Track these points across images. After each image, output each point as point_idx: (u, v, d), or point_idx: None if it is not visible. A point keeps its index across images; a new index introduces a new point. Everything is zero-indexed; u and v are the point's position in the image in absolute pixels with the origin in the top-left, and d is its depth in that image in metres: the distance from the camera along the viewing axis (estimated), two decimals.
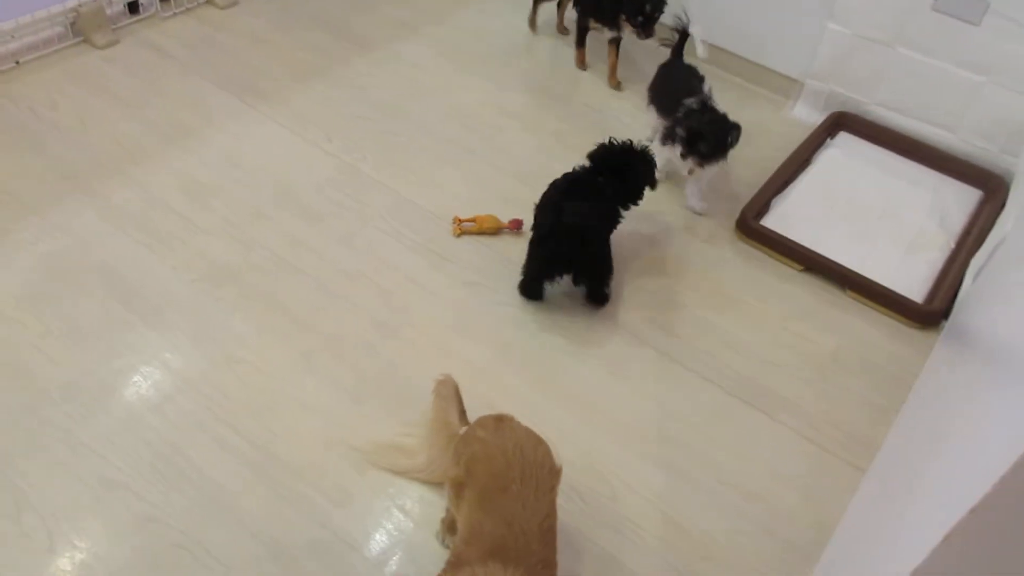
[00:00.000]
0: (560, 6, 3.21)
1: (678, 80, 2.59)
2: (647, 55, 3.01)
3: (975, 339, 1.91)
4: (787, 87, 2.98)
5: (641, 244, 2.39)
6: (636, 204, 2.24)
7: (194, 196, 2.39)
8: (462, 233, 2.36)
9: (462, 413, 1.66)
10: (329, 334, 2.07)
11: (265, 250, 2.26)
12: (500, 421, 1.53)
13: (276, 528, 1.68)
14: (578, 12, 3.00)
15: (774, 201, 2.54)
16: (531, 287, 2.20)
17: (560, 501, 1.49)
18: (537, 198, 2.18)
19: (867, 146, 2.81)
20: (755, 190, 2.54)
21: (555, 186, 2.18)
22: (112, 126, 2.58)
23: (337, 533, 1.69)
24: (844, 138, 2.84)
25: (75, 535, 1.65)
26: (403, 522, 1.72)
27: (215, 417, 1.86)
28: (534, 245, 2.15)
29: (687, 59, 2.70)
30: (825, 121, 2.84)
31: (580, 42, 3.04)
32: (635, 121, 2.82)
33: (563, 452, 1.53)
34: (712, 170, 2.44)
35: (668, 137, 2.43)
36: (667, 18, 2.74)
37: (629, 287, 2.28)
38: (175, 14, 3.09)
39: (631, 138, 2.23)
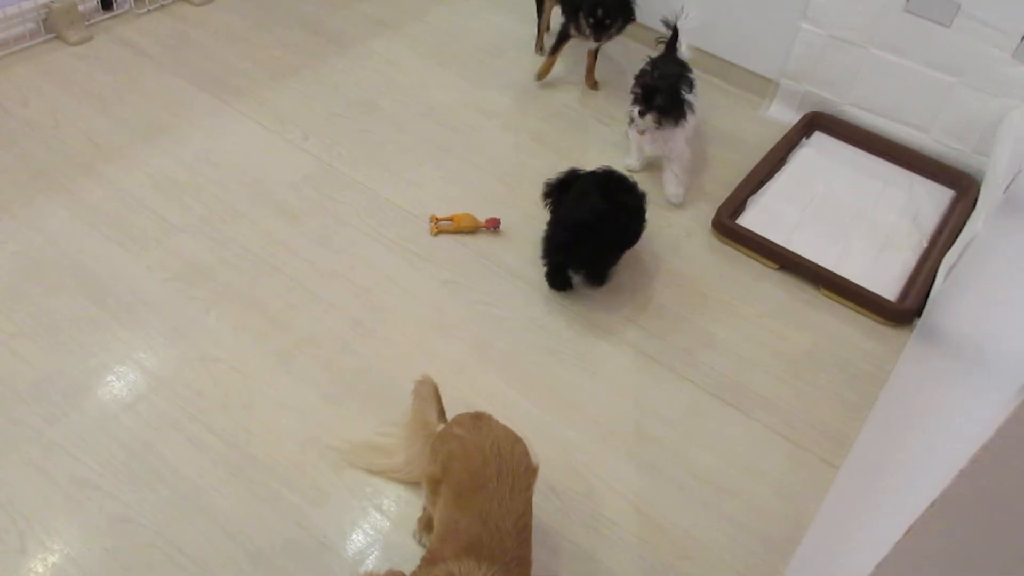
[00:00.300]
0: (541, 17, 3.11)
1: (662, 69, 2.60)
2: (632, 60, 3.03)
3: (945, 336, 1.94)
4: (762, 87, 3.01)
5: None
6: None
7: (169, 194, 2.37)
8: (439, 232, 2.36)
9: (441, 413, 1.66)
10: (305, 333, 2.06)
11: (241, 249, 2.24)
12: (478, 419, 1.54)
13: (252, 528, 1.68)
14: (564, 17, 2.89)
15: (750, 200, 2.56)
16: (559, 278, 2.22)
17: (537, 499, 1.49)
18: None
19: (842, 146, 2.84)
20: (731, 189, 2.55)
21: (590, 179, 2.20)
22: (85, 123, 2.56)
23: (313, 532, 1.68)
24: (819, 138, 2.87)
25: (47, 536, 1.63)
26: (380, 521, 1.72)
27: (190, 416, 1.85)
28: (567, 231, 2.15)
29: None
30: (800, 121, 2.87)
31: (554, 48, 2.91)
32: (614, 122, 2.83)
33: (540, 450, 1.53)
34: (678, 138, 2.47)
35: (632, 109, 2.47)
36: (661, 15, 2.72)
37: (607, 286, 2.29)
38: (149, 11, 3.06)
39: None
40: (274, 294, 2.14)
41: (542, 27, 3.09)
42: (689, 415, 2.01)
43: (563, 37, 2.88)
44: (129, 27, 2.98)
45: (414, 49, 3.08)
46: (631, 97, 2.50)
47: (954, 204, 2.63)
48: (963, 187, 2.66)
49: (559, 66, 2.97)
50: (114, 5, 3.01)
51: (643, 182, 2.29)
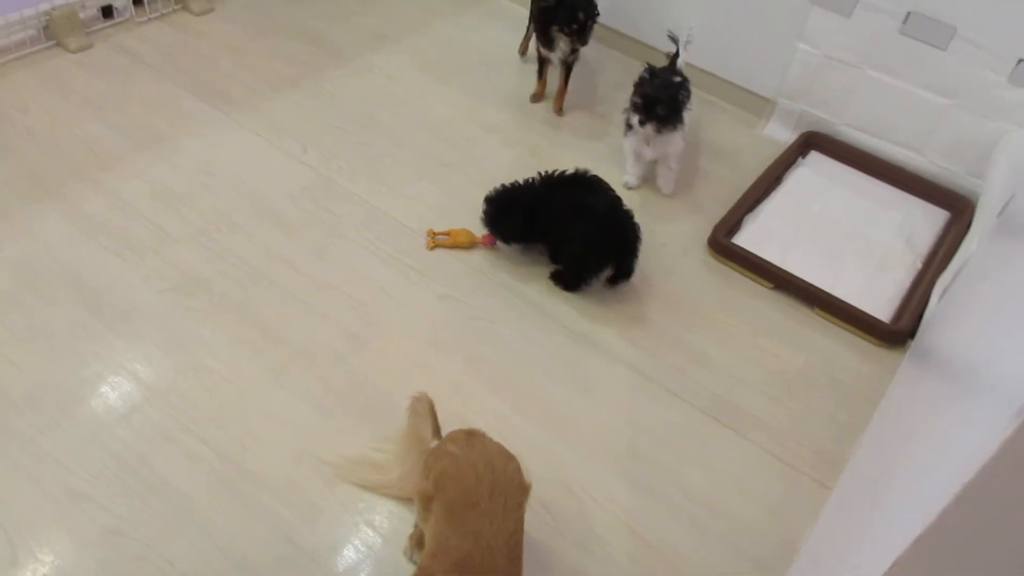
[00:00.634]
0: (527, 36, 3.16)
1: (661, 78, 2.61)
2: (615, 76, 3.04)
3: (939, 358, 1.95)
4: (759, 106, 3.02)
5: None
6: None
7: (166, 203, 2.37)
8: (436, 246, 2.37)
9: (436, 430, 1.66)
10: (300, 345, 2.06)
11: (237, 260, 2.24)
12: (471, 436, 1.54)
13: (243, 542, 1.67)
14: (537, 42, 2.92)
15: (745, 219, 2.57)
16: (580, 285, 2.31)
17: (528, 516, 1.49)
18: None
19: (837, 166, 2.86)
20: (727, 208, 2.57)
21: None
22: (84, 131, 2.56)
23: (305, 547, 1.68)
24: (815, 157, 2.88)
25: (38, 547, 1.62)
26: (371, 538, 1.71)
27: (183, 428, 1.85)
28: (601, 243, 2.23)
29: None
30: (796, 140, 2.89)
31: (540, 72, 2.96)
32: (608, 136, 2.84)
33: (532, 466, 1.54)
34: (675, 144, 2.51)
35: (629, 121, 2.51)
36: (667, 27, 2.77)
37: (601, 303, 2.29)
38: (150, 19, 3.07)
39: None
40: (269, 306, 2.14)
41: (530, 31, 3.11)
42: (681, 433, 2.01)
43: (543, 60, 2.91)
44: (129, 35, 2.99)
45: (413, 62, 3.10)
46: (629, 106, 2.51)
47: (949, 225, 2.65)
48: (958, 209, 2.67)
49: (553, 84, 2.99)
50: (115, 13, 3.02)
51: (634, 205, 2.31)
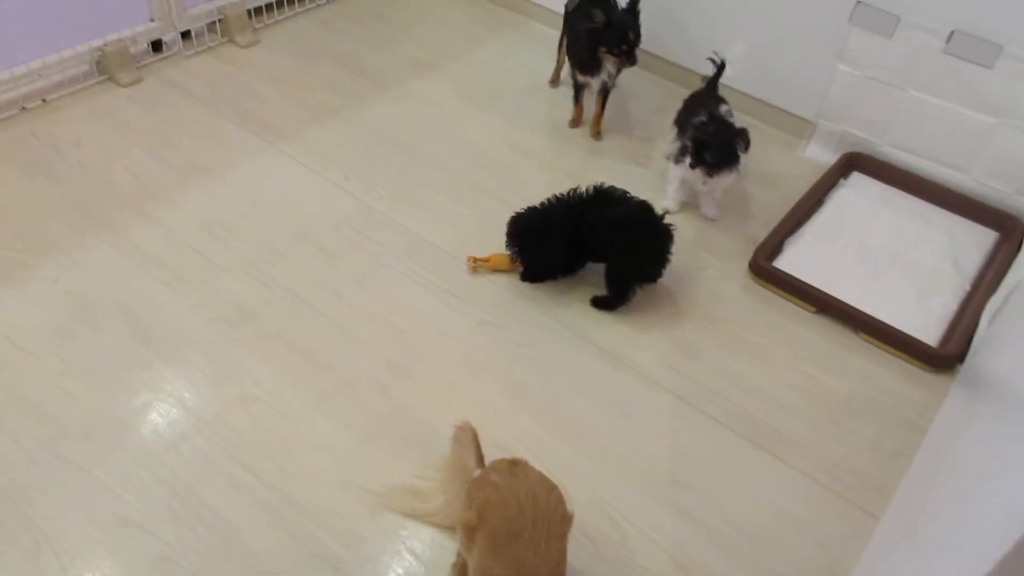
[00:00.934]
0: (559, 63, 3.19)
1: (701, 104, 2.62)
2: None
3: (992, 384, 1.90)
4: (800, 128, 3.00)
5: (653, 286, 2.40)
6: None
7: (214, 234, 2.43)
8: (477, 268, 2.39)
9: (480, 459, 1.67)
10: (343, 374, 2.08)
11: (282, 289, 2.28)
12: (514, 466, 1.54)
13: (286, 570, 1.69)
14: (572, 67, 2.95)
15: (787, 242, 2.55)
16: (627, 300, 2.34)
17: (570, 545, 1.49)
18: None
19: (880, 187, 2.82)
20: (768, 231, 2.55)
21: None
22: (134, 163, 2.63)
23: None
24: (857, 179, 2.85)
25: (89, 573, 1.66)
26: (414, 566, 1.72)
27: (230, 456, 1.88)
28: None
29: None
30: (838, 162, 2.86)
31: (576, 98, 2.98)
32: (650, 161, 2.85)
33: (573, 493, 1.53)
34: (726, 180, 2.50)
35: (680, 154, 2.52)
36: (709, 51, 2.74)
37: (641, 328, 2.29)
38: (197, 53, 3.15)
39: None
40: (313, 334, 2.17)
41: (560, 60, 3.15)
42: (723, 460, 1.99)
43: (579, 85, 2.92)
44: (177, 69, 3.07)
45: (452, 89, 3.14)
46: (677, 137, 2.51)
47: (998, 246, 2.60)
48: (1007, 229, 2.62)
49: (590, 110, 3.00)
50: (163, 47, 3.10)
51: (675, 226, 2.30)
